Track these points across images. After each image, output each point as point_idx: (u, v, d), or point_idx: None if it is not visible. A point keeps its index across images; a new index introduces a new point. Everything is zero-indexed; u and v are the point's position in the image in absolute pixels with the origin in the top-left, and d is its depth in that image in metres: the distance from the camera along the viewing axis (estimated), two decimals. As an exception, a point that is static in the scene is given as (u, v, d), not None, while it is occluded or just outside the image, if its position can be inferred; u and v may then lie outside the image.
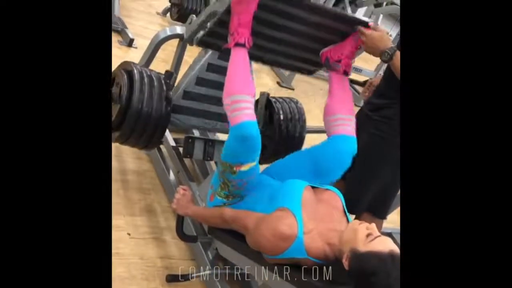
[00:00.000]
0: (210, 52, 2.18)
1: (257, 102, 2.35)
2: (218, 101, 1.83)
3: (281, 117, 2.31)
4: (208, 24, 1.68)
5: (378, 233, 1.18)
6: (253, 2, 1.48)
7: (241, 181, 1.46)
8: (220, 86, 1.52)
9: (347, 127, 1.60)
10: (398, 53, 1.57)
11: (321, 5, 1.68)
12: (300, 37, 1.73)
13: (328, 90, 1.70)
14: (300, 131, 2.38)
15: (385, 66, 1.81)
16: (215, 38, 1.71)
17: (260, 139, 1.41)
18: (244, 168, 1.42)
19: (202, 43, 1.82)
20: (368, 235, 1.17)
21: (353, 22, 1.66)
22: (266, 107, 2.36)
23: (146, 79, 1.87)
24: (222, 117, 2.22)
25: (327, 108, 1.65)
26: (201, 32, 1.73)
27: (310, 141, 2.12)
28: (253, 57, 1.78)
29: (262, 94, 2.35)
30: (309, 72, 2.05)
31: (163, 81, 1.92)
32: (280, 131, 2.31)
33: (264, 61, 1.92)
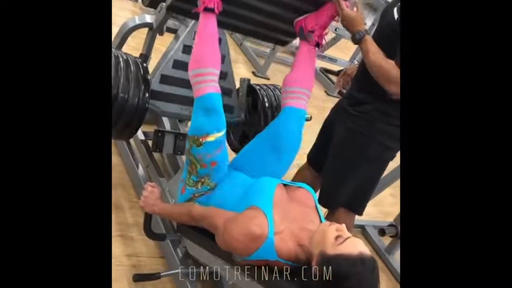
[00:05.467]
0: (185, 33, 2.05)
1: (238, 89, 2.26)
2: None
3: (267, 104, 2.22)
4: None
5: (348, 234, 1.15)
6: None
7: (209, 157, 1.44)
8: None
9: (301, 101, 1.62)
10: (367, 37, 1.56)
11: None
12: (274, 5, 1.67)
13: (294, 60, 1.69)
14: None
15: (360, 55, 1.77)
16: (185, 3, 1.64)
17: (222, 110, 1.45)
18: (210, 138, 1.43)
19: (172, 8, 1.73)
20: (337, 237, 1.13)
21: None
22: (248, 94, 2.27)
23: (122, 64, 1.71)
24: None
25: (288, 78, 1.66)
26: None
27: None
28: (224, 25, 1.74)
29: (242, 80, 2.26)
30: (283, 43, 1.99)
31: (140, 65, 1.78)
32: (265, 118, 2.22)
33: (235, 29, 1.86)
